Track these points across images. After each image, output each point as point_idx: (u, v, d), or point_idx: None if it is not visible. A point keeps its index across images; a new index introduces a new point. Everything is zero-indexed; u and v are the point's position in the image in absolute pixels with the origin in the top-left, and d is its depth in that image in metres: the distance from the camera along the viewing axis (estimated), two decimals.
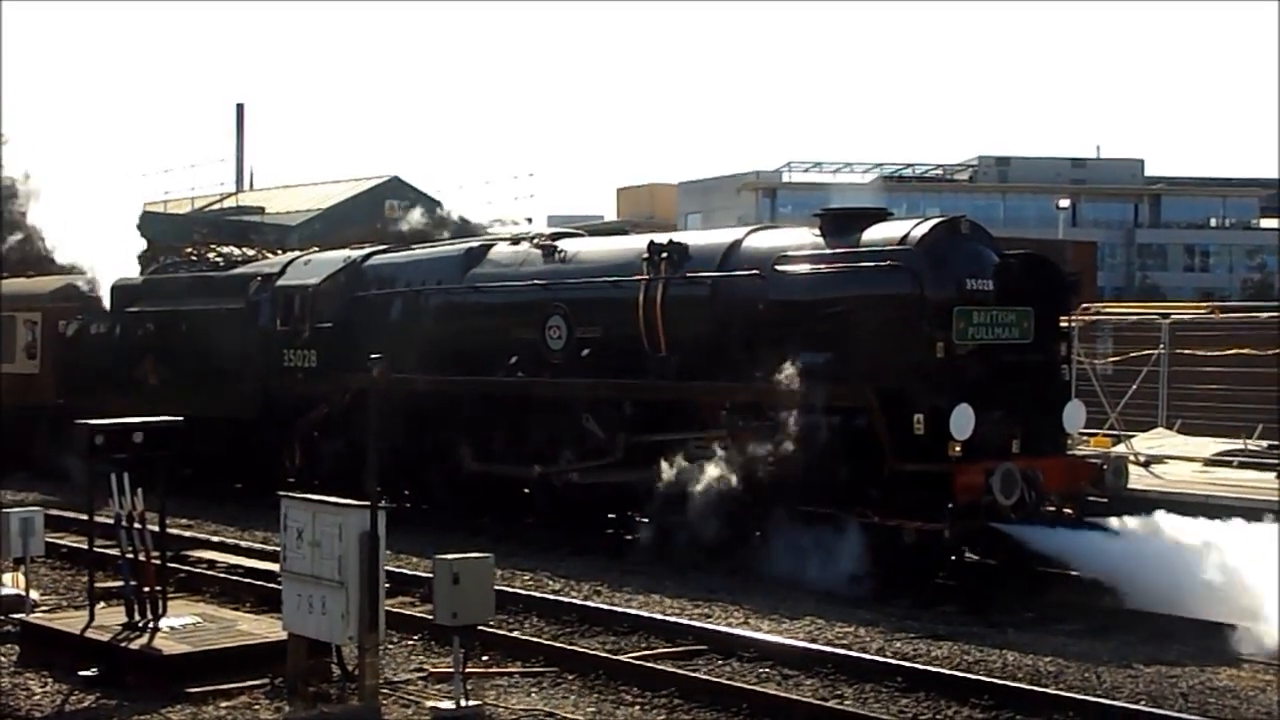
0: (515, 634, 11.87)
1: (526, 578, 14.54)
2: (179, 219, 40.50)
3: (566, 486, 16.93)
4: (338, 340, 19.53)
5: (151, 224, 35.28)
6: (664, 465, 15.33)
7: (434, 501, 18.99)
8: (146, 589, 10.93)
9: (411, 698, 9.96)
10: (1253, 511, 14.41)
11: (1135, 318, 24.33)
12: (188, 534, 17.42)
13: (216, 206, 46.32)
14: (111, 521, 11.11)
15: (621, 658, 11.02)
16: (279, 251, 27.69)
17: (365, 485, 9.74)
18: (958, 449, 13.54)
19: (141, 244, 24.62)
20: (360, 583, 9.38)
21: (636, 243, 17.26)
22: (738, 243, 15.96)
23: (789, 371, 14.51)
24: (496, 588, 10.26)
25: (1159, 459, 19.55)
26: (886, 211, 15.61)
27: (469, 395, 18.03)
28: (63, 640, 10.91)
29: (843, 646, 11.34)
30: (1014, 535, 13.60)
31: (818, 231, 15.37)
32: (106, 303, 24.03)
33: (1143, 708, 9.52)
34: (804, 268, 14.95)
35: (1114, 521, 13.82)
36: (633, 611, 12.68)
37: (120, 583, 11.36)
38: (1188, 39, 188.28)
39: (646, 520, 16.06)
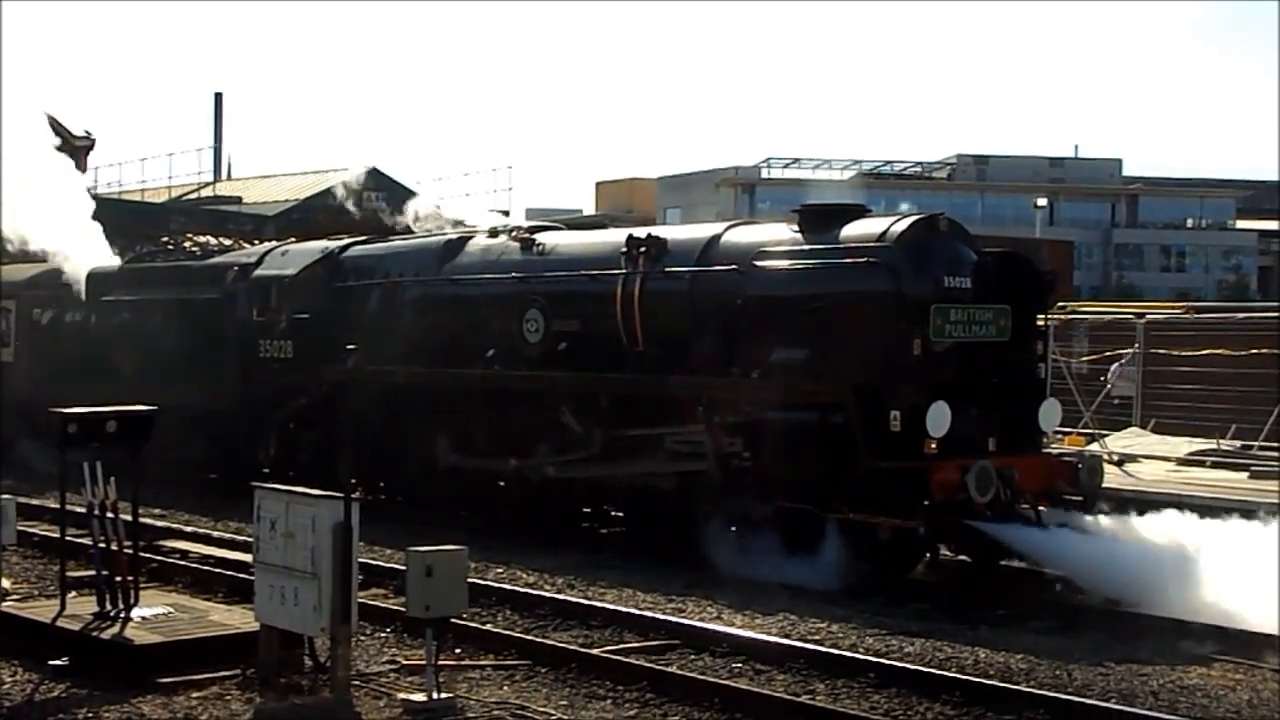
0: (488, 627, 11.86)
1: (500, 571, 14.52)
2: (156, 208, 40.31)
3: (542, 480, 16.91)
4: (314, 331, 19.47)
5: (128, 212, 35.19)
6: (640, 460, 15.32)
7: (409, 494, 18.96)
8: (118, 578, 10.89)
9: (383, 690, 9.94)
10: (1224, 511, 14.50)
11: (1111, 317, 24.44)
12: (160, 524, 17.38)
13: (194, 196, 46.09)
14: (84, 510, 11.06)
15: (594, 652, 11.01)
16: (256, 241, 27.62)
17: (339, 476, 9.71)
18: (934, 446, 13.58)
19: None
20: (333, 574, 9.35)
21: (615, 237, 17.23)
22: (716, 238, 15.97)
23: (766, 367, 14.53)
24: (470, 581, 10.25)
25: (1133, 458, 19.65)
26: (865, 208, 15.61)
27: (445, 388, 17.99)
28: (33, 629, 10.86)
29: (815, 642, 11.36)
30: (989, 533, 13.65)
31: (796, 228, 15.38)
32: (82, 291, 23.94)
33: (1113, 705, 9.55)
34: (782, 264, 14.95)
35: (1087, 519, 13.90)
36: (606, 606, 12.69)
37: (92, 572, 11.30)
38: (1168, 38, 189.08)
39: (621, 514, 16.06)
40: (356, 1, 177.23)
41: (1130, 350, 22.33)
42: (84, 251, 23.93)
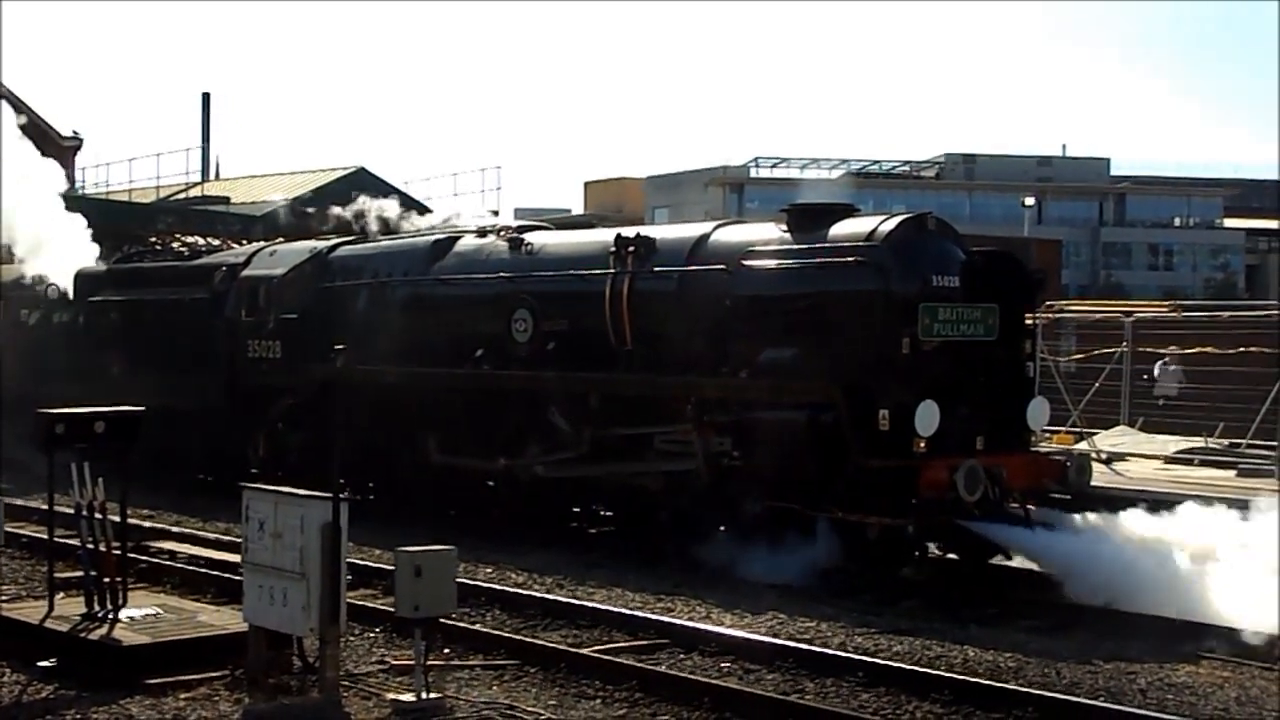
0: (477, 627, 11.84)
1: (489, 571, 14.52)
2: (143, 208, 40.17)
3: (532, 480, 16.91)
4: (303, 331, 19.46)
5: (115, 213, 35.08)
6: (629, 459, 15.31)
7: (398, 494, 18.94)
8: (106, 579, 10.87)
9: (372, 690, 9.93)
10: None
11: (1099, 316, 24.45)
12: (149, 524, 17.34)
13: (181, 196, 45.93)
14: (72, 511, 11.03)
15: (583, 651, 11.00)
16: (244, 241, 27.55)
17: (328, 476, 9.69)
18: (922, 445, 13.60)
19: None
20: (322, 574, 9.34)
21: (603, 236, 17.23)
22: (705, 237, 15.97)
23: (755, 366, 14.53)
24: (459, 580, 10.23)
25: (1120, 456, 19.69)
26: (853, 207, 15.62)
27: (434, 388, 17.98)
28: (21, 630, 10.82)
29: (804, 641, 11.36)
30: (977, 531, 13.67)
31: (784, 227, 15.39)
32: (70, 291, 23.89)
33: (1102, 704, 9.56)
34: (770, 263, 14.96)
35: (1075, 518, 13.93)
36: (595, 605, 12.68)
37: (80, 573, 11.28)
38: (1156, 37, 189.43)
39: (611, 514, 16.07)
40: (346, 1, 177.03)
41: (1174, 349, 22.37)
42: (66, 253, 23.85)
